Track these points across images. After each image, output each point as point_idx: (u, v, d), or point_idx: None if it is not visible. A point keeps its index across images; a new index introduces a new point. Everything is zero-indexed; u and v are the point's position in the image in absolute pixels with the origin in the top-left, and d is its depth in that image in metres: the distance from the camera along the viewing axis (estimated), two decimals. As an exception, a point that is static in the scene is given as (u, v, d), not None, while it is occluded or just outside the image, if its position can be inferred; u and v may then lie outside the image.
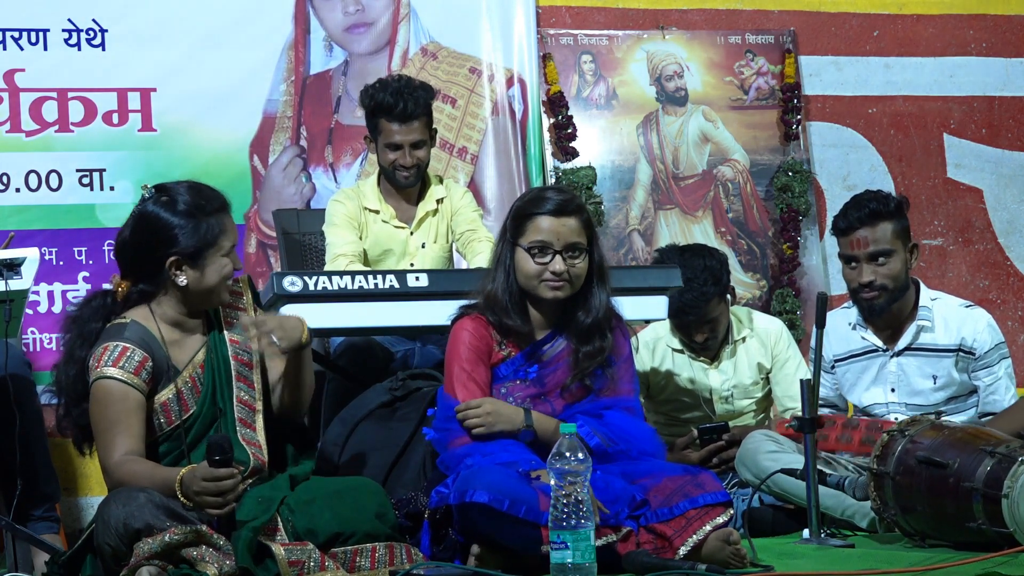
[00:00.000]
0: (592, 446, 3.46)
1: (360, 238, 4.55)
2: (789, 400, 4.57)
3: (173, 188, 3.43)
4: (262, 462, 3.39)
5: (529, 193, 3.81)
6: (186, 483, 3.14)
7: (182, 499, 3.15)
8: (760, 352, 4.66)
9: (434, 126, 4.62)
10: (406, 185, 4.59)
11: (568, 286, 3.57)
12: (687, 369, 4.65)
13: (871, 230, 4.21)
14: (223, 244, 3.38)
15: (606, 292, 3.63)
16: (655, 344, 4.67)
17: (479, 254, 4.47)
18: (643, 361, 4.63)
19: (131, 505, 3.11)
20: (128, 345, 3.32)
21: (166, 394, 3.36)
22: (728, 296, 4.60)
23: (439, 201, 4.65)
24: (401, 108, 4.48)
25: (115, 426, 3.28)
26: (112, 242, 3.98)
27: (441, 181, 4.73)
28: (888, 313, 4.28)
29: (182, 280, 3.36)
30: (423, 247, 4.60)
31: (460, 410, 3.52)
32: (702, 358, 4.64)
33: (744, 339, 4.65)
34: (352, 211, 4.57)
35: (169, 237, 3.36)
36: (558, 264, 3.55)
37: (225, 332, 3.47)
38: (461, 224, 4.64)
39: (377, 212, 4.58)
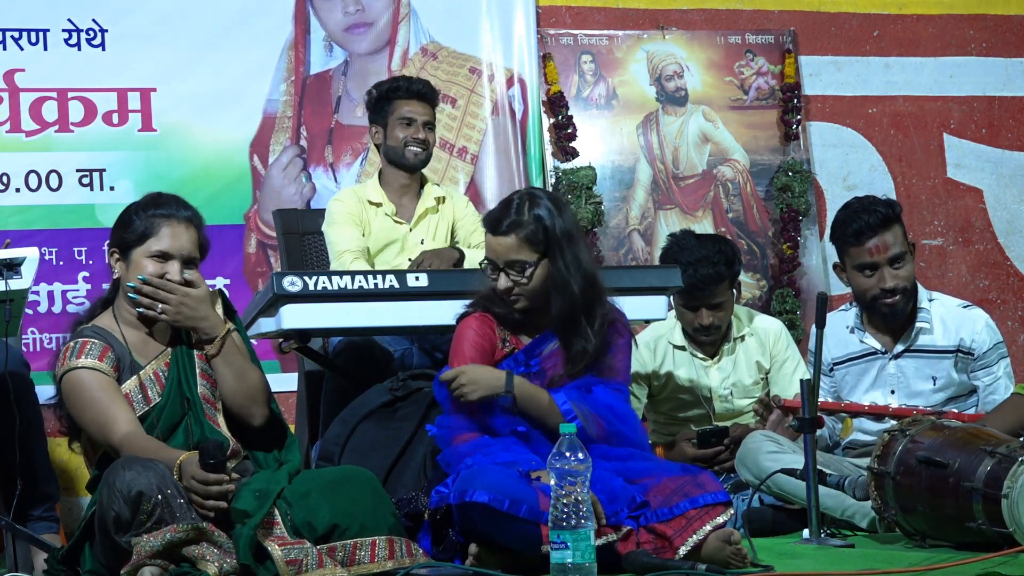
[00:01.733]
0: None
1: (363, 235, 4.57)
2: (786, 400, 4.57)
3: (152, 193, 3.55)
4: (236, 448, 3.42)
5: None
6: (183, 470, 3.17)
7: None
8: (759, 351, 4.65)
9: (434, 132, 4.70)
10: (414, 165, 4.63)
11: (522, 299, 3.60)
12: (687, 367, 4.64)
13: (885, 235, 4.18)
14: (150, 245, 3.40)
15: (564, 300, 3.55)
16: (656, 343, 4.66)
17: None
18: (644, 361, 4.62)
19: (135, 467, 3.12)
20: (86, 339, 3.39)
21: (128, 386, 3.39)
22: (733, 290, 4.60)
23: (439, 200, 4.68)
24: (417, 87, 4.66)
25: (97, 405, 3.31)
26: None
27: (437, 185, 4.78)
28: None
29: (116, 272, 3.46)
30: (421, 243, 4.62)
31: (445, 379, 3.53)
32: (702, 355, 4.64)
33: (743, 338, 4.65)
34: (354, 209, 4.59)
35: (116, 229, 3.47)
36: (502, 281, 3.58)
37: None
38: (466, 228, 4.68)
39: (379, 205, 4.61)
